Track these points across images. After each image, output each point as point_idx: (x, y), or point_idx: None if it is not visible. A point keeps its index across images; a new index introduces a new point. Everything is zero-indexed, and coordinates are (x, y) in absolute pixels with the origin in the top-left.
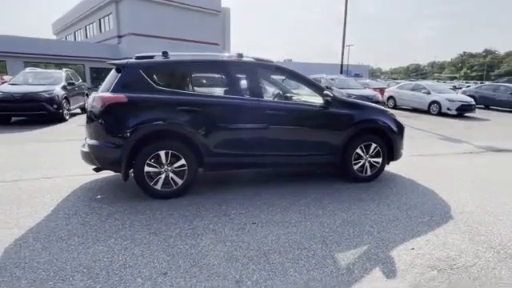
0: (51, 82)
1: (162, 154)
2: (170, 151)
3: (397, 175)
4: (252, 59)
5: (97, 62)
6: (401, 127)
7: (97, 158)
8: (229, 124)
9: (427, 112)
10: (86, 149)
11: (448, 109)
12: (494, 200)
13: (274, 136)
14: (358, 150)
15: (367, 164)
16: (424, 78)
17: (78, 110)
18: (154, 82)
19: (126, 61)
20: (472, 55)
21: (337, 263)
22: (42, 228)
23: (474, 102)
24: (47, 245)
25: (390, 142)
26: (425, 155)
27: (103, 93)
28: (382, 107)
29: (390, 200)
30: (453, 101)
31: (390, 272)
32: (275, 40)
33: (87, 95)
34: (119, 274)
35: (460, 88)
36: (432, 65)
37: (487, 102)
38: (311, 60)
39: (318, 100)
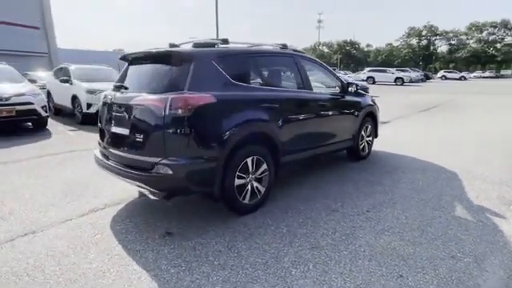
0: None
1: (249, 161)
2: (256, 157)
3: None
4: (292, 50)
5: None
6: (378, 109)
7: (186, 179)
8: (299, 118)
9: None
10: (165, 171)
11: None
12: (455, 155)
13: (326, 126)
14: (362, 132)
15: (365, 143)
16: None
17: None
18: (229, 75)
19: (192, 50)
20: None
21: (470, 220)
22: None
23: None
24: None
25: (375, 123)
26: None
27: (183, 94)
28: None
29: (404, 168)
30: None
31: (499, 214)
32: (102, 26)
33: None
34: None
35: None
36: None
37: None
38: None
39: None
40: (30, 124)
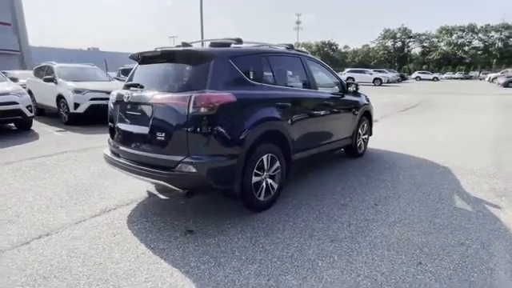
0: None
1: (265, 158)
2: (270, 154)
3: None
4: (297, 51)
5: None
6: (372, 108)
7: (209, 177)
8: (306, 117)
9: None
10: (188, 169)
11: None
12: (444, 151)
13: (329, 124)
14: (359, 130)
15: (362, 141)
16: None
17: None
18: (245, 75)
19: (211, 49)
20: None
21: (470, 211)
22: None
23: None
24: None
25: (370, 121)
26: None
27: (205, 92)
28: None
29: (401, 165)
30: None
31: (494, 205)
32: (78, 25)
33: None
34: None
35: None
36: None
37: None
38: (122, 49)
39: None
40: (12, 125)
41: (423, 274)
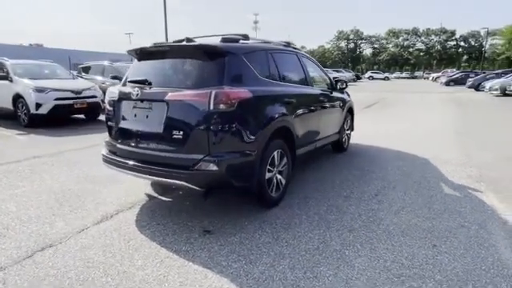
0: None
1: (276, 154)
2: (280, 150)
3: None
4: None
5: None
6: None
7: (230, 175)
8: (306, 113)
9: None
10: (209, 167)
11: None
12: (418, 144)
13: (324, 120)
14: (345, 126)
15: (346, 136)
16: None
17: None
18: (255, 71)
19: (225, 45)
20: None
21: (459, 196)
22: None
23: None
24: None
25: (352, 117)
26: None
27: (224, 88)
28: None
29: (386, 157)
30: None
31: (476, 189)
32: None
33: None
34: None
35: None
36: None
37: None
38: (73, 46)
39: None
40: None
41: (441, 255)
